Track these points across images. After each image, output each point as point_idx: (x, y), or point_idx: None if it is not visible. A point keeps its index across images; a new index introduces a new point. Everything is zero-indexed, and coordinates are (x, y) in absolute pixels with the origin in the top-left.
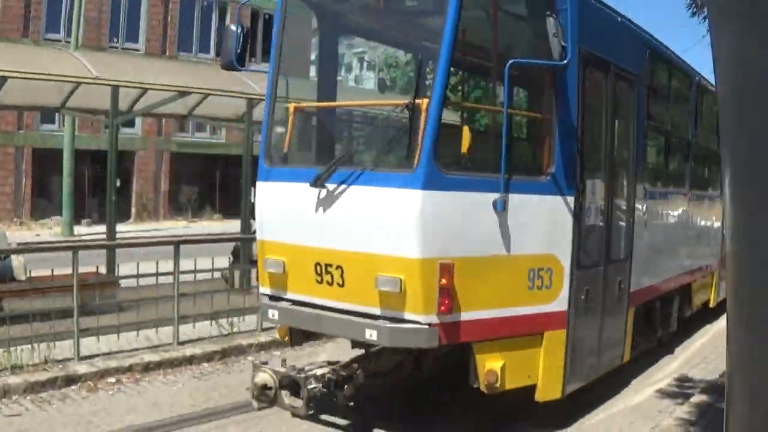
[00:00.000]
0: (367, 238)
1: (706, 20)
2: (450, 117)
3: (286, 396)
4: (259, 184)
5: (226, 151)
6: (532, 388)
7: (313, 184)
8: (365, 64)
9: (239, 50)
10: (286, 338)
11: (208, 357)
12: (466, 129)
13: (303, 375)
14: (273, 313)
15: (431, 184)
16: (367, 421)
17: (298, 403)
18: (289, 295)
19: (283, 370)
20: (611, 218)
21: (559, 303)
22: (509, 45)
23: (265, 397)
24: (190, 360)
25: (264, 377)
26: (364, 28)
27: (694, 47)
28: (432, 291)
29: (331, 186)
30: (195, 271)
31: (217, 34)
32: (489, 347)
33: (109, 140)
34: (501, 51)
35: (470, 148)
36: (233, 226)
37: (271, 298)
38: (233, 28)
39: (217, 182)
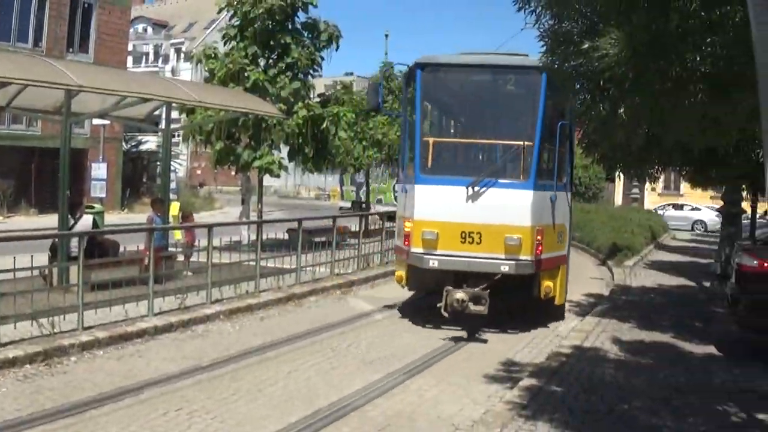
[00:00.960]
0: (499, 216)
1: (533, 14)
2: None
3: (470, 305)
4: (417, 186)
5: (41, 143)
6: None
7: (469, 186)
8: (484, 115)
9: (381, 98)
10: (403, 282)
11: (31, 359)
12: (543, 157)
13: (479, 293)
14: (433, 262)
15: (534, 188)
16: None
17: (480, 308)
18: (439, 251)
19: (470, 290)
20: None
21: (566, 250)
22: (558, 112)
23: (459, 306)
24: (13, 362)
25: (461, 294)
26: (484, 98)
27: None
28: (533, 243)
29: (477, 188)
30: (14, 270)
31: (38, 22)
32: (545, 274)
33: None
34: (556, 115)
35: (545, 168)
36: (50, 221)
37: (425, 254)
38: (376, 84)
39: (33, 176)
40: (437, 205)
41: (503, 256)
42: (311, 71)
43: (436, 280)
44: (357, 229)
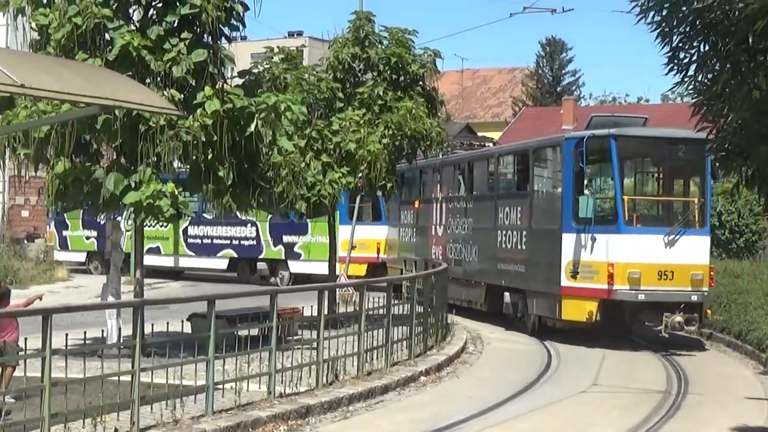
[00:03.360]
0: (686, 257)
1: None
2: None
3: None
4: (622, 235)
5: None
6: None
7: (666, 234)
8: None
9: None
10: (594, 317)
11: None
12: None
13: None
14: (640, 296)
15: (707, 234)
16: None
17: (691, 329)
18: (642, 287)
19: (686, 315)
20: None
21: None
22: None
23: (679, 327)
24: None
25: (679, 318)
26: (664, 162)
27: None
28: (709, 278)
29: (672, 236)
30: None
31: None
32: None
33: None
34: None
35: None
36: None
37: (631, 290)
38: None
39: None
40: (640, 250)
41: (690, 289)
42: (226, 30)
43: (630, 311)
44: (314, 313)
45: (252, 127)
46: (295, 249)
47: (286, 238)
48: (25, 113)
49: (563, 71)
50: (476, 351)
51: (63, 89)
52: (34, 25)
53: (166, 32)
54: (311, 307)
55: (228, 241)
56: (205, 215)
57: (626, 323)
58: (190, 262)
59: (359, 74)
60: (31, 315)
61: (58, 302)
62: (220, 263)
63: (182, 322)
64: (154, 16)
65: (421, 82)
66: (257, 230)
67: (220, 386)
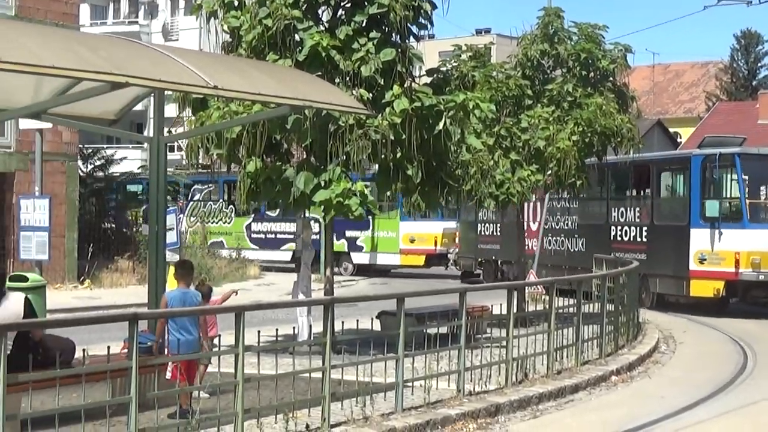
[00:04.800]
0: None
1: None
2: None
3: None
4: (746, 230)
5: None
6: None
7: None
8: None
9: None
10: (721, 292)
11: None
12: None
13: None
14: (760, 276)
15: None
16: None
17: None
18: (762, 269)
19: None
20: None
21: None
22: None
23: None
24: None
25: None
26: None
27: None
28: None
29: None
30: None
31: None
32: None
33: None
34: None
35: None
36: None
37: (753, 272)
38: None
39: None
40: (760, 241)
41: None
42: (414, 29)
43: (743, 289)
44: (504, 312)
45: (440, 126)
46: (358, 242)
47: (348, 233)
48: (217, 114)
49: (759, 64)
50: (668, 350)
51: (254, 90)
52: (225, 27)
53: (354, 32)
54: (500, 305)
55: (291, 236)
56: (268, 213)
57: (742, 298)
58: (253, 254)
59: (548, 71)
60: (225, 312)
61: (250, 299)
62: (284, 255)
63: (371, 319)
64: (343, 16)
65: (611, 78)
66: (320, 226)
67: (410, 384)
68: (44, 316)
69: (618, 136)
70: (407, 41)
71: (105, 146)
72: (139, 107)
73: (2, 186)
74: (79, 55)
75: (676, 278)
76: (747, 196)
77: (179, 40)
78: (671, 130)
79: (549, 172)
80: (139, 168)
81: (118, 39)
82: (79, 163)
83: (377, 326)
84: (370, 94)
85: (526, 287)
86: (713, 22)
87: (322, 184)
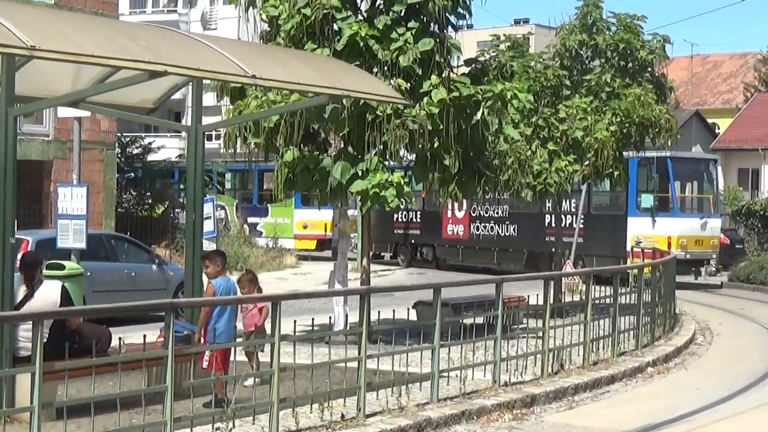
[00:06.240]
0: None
1: None
2: None
3: None
4: (674, 218)
5: None
6: None
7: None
8: None
9: None
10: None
11: None
12: None
13: None
14: (687, 255)
15: (718, 217)
16: None
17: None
18: (689, 250)
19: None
20: None
21: None
22: None
23: (707, 274)
24: None
25: (711, 268)
26: None
27: None
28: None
29: (702, 219)
30: None
31: None
32: None
33: None
34: None
35: None
36: None
37: (680, 252)
38: None
39: None
40: (686, 227)
41: (710, 250)
42: (453, 19)
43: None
44: (540, 302)
45: (478, 116)
46: (258, 228)
47: (250, 219)
48: (255, 103)
49: None
50: (705, 342)
51: (292, 79)
52: (264, 16)
53: (393, 21)
54: (536, 295)
55: None
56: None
57: None
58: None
59: (586, 61)
60: (262, 301)
61: (287, 289)
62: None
63: (407, 309)
64: (381, 6)
65: (649, 69)
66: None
67: (445, 374)
68: (81, 304)
69: (656, 126)
70: (445, 31)
71: (143, 134)
72: (177, 96)
73: (40, 174)
74: (118, 44)
75: (613, 258)
76: (677, 191)
77: (218, 29)
78: (709, 121)
79: (587, 162)
80: (176, 157)
81: (157, 28)
82: (118, 151)
83: (413, 316)
84: (408, 84)
85: (563, 278)
86: (752, 13)
87: (359, 174)
